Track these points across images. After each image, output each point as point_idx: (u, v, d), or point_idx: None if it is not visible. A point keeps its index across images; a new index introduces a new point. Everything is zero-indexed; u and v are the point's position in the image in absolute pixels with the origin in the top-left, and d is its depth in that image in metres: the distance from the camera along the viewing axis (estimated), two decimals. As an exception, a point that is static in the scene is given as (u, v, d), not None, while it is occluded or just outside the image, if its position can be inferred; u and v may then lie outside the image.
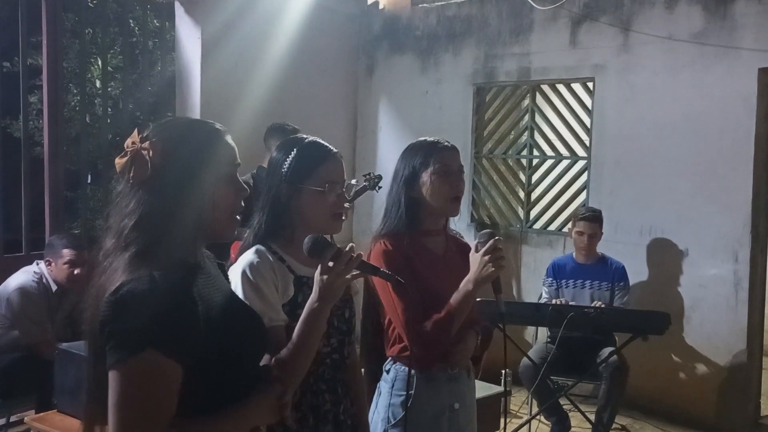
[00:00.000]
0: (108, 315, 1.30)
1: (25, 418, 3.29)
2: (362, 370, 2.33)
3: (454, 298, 2.18)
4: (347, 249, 1.64)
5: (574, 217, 4.78)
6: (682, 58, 4.84)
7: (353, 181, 2.41)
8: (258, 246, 1.85)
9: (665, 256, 4.98)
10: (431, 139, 2.34)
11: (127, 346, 1.28)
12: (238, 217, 1.51)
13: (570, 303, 4.50)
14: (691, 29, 4.81)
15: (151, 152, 1.40)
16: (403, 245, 2.23)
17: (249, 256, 1.82)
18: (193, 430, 1.34)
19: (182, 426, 1.31)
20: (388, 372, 2.31)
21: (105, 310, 1.31)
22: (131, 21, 6.53)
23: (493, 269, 2.12)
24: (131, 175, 1.40)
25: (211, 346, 1.36)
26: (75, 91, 6.42)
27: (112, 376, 1.29)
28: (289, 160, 1.88)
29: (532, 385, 4.26)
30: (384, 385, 2.30)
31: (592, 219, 4.64)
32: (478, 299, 2.40)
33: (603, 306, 4.44)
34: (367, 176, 4.51)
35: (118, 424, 1.28)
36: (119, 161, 1.43)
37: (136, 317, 1.28)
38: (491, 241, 2.13)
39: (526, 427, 4.47)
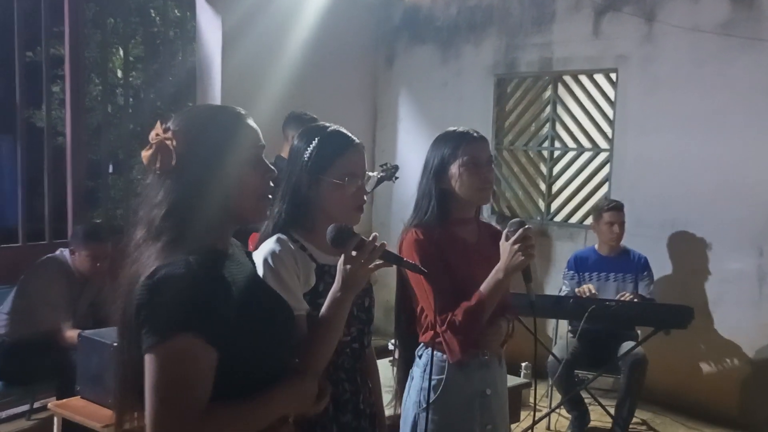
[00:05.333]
0: (144, 298, 1.31)
1: (49, 404, 3.33)
2: (396, 356, 2.35)
3: (484, 286, 2.19)
4: (371, 238, 1.63)
5: (598, 210, 4.72)
6: (706, 50, 4.77)
7: (374, 173, 2.41)
8: (279, 234, 1.84)
9: (688, 251, 4.93)
10: (461, 129, 2.34)
11: (164, 329, 1.28)
12: (270, 196, 1.51)
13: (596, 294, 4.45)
14: (716, 20, 4.74)
15: (174, 142, 1.40)
16: (434, 235, 2.25)
17: (270, 244, 1.81)
18: (225, 413, 1.34)
19: (215, 410, 1.32)
20: (420, 357, 2.33)
21: (140, 293, 1.31)
22: (152, 11, 6.56)
23: (523, 258, 2.12)
24: (157, 166, 1.41)
25: (243, 331, 1.36)
26: (97, 81, 6.45)
27: (149, 360, 1.29)
28: (310, 149, 1.87)
29: (558, 379, 4.24)
30: (416, 370, 2.33)
31: (617, 208, 4.62)
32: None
33: (632, 297, 4.39)
34: (384, 166, 4.51)
35: (154, 407, 1.28)
36: (145, 154, 1.43)
37: (173, 301, 1.29)
38: (521, 230, 2.14)
39: (545, 420, 4.45)
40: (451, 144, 2.30)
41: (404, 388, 2.37)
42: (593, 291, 4.39)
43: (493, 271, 2.18)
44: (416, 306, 2.32)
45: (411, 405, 2.31)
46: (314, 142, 1.88)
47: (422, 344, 2.34)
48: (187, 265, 1.31)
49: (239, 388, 1.38)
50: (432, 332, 2.28)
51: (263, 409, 1.41)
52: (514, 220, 2.19)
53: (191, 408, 1.28)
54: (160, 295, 1.29)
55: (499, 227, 2.43)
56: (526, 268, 2.17)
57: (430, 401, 2.21)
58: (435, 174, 2.30)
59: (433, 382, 2.25)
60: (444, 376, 2.25)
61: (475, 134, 2.32)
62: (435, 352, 2.28)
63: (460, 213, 2.34)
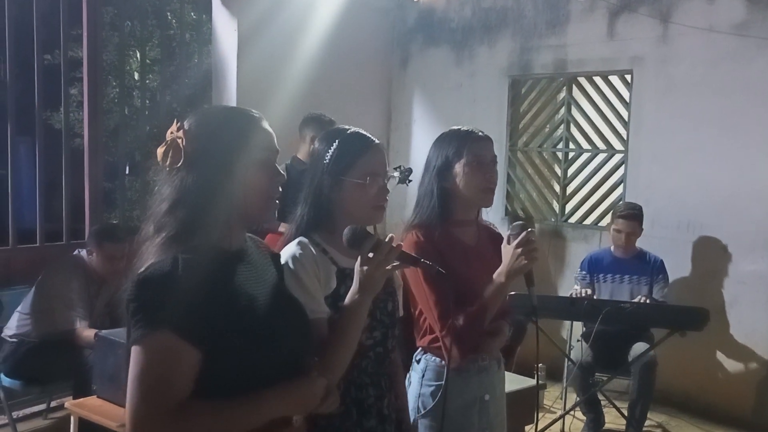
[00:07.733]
0: (132, 294, 1.35)
1: (65, 404, 3.36)
2: None
3: (487, 291, 2.14)
4: (387, 240, 1.63)
5: (613, 213, 4.71)
6: (722, 50, 4.75)
7: (395, 173, 2.40)
8: (301, 238, 1.85)
9: (704, 252, 4.90)
10: (465, 128, 2.31)
11: (145, 324, 1.32)
12: (276, 201, 1.52)
13: (596, 297, 4.43)
14: (732, 20, 4.71)
15: (184, 141, 1.44)
16: (434, 236, 2.21)
17: (291, 248, 1.82)
18: (203, 410, 1.35)
19: (193, 405, 1.33)
20: (418, 362, 2.29)
21: (130, 289, 1.35)
22: (169, 14, 6.61)
23: (525, 262, 2.07)
24: (167, 163, 1.45)
25: (240, 334, 1.37)
26: (114, 83, 6.51)
27: (133, 352, 1.33)
28: (330, 151, 1.87)
29: (575, 381, 4.23)
30: (414, 375, 2.30)
31: (630, 217, 4.55)
32: (511, 292, 2.36)
33: (646, 300, 4.36)
34: (398, 169, 4.51)
35: (130, 399, 1.32)
36: (159, 151, 1.47)
37: (156, 298, 1.32)
38: (524, 234, 2.09)
39: (560, 422, 4.44)
40: (456, 143, 2.25)
41: None
42: (588, 293, 4.42)
43: (495, 275, 2.14)
44: (414, 309, 2.26)
45: (409, 411, 2.24)
46: (334, 145, 1.88)
47: (420, 349, 2.30)
48: (174, 263, 1.34)
49: (231, 387, 1.38)
50: (430, 336, 2.24)
51: (251, 409, 1.39)
52: (516, 223, 2.13)
53: (166, 402, 1.31)
54: (145, 291, 1.33)
55: (499, 232, 2.37)
56: (529, 272, 2.11)
57: (428, 408, 2.18)
58: (438, 172, 2.25)
59: (431, 388, 2.23)
60: (442, 382, 2.19)
61: (480, 133, 2.28)
62: (433, 357, 2.25)
63: (461, 214, 2.28)
